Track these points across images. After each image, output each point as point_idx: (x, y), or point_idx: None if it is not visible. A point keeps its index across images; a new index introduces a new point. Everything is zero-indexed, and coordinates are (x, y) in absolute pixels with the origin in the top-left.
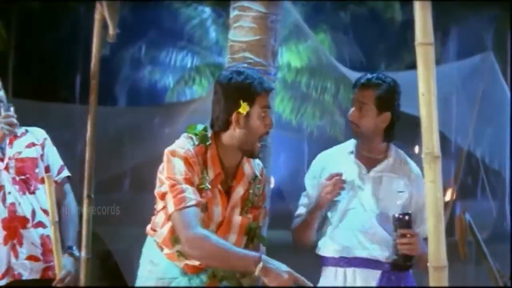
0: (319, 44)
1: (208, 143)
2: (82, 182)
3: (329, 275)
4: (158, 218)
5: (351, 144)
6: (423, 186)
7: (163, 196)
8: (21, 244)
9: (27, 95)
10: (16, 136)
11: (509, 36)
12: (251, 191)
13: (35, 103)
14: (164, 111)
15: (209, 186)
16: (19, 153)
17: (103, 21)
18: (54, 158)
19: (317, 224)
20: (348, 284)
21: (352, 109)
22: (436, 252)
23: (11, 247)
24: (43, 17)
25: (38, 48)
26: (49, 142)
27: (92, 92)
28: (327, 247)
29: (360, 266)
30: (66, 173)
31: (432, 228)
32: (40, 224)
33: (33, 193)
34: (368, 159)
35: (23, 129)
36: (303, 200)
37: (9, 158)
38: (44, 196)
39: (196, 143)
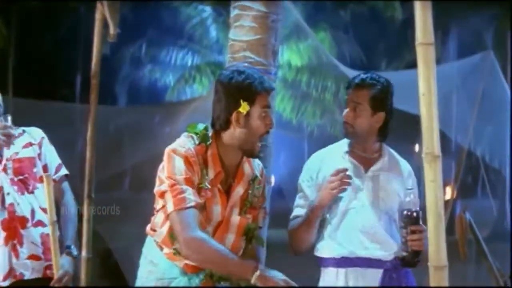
0: (320, 43)
1: (208, 142)
2: (82, 181)
3: (330, 276)
4: (158, 218)
5: (344, 144)
6: (415, 183)
7: (162, 194)
8: (21, 244)
9: (27, 94)
10: (13, 137)
11: (509, 35)
12: (250, 191)
13: (35, 102)
14: (165, 110)
15: (209, 186)
16: (17, 153)
17: (104, 21)
18: (51, 157)
19: (318, 223)
20: (350, 285)
21: (346, 109)
22: (437, 251)
23: (12, 247)
24: (43, 16)
25: (38, 47)
26: (46, 141)
27: (93, 91)
28: (327, 248)
29: (362, 266)
30: (64, 171)
31: (432, 228)
32: (40, 223)
33: (31, 192)
34: (363, 158)
35: (20, 129)
36: (299, 201)
37: (7, 159)
38: (43, 195)
39: (197, 142)
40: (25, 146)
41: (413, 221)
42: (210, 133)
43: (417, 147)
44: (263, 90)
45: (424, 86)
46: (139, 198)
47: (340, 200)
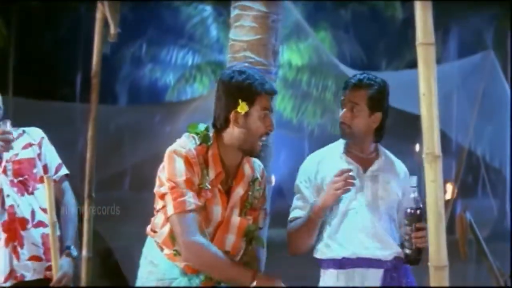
0: (320, 42)
1: (209, 142)
2: (83, 181)
3: (330, 278)
4: (158, 219)
5: (340, 145)
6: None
7: (162, 196)
8: (22, 245)
9: (28, 94)
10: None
11: (509, 35)
12: (250, 193)
13: (35, 101)
14: (165, 109)
15: (209, 186)
16: (16, 155)
17: (104, 20)
18: (51, 156)
19: (320, 224)
20: (351, 285)
21: (344, 110)
22: (437, 251)
23: (12, 249)
24: (43, 16)
25: (38, 47)
26: (46, 141)
27: (93, 91)
28: (327, 250)
29: (363, 267)
30: (64, 171)
31: (433, 228)
32: (41, 224)
33: (31, 193)
34: (361, 159)
35: (20, 130)
36: (297, 203)
37: (6, 161)
38: (43, 195)
39: (198, 142)
40: (24, 147)
41: (417, 218)
42: (211, 133)
43: (417, 147)
44: (263, 91)
45: (425, 86)
46: (140, 197)
47: (339, 201)
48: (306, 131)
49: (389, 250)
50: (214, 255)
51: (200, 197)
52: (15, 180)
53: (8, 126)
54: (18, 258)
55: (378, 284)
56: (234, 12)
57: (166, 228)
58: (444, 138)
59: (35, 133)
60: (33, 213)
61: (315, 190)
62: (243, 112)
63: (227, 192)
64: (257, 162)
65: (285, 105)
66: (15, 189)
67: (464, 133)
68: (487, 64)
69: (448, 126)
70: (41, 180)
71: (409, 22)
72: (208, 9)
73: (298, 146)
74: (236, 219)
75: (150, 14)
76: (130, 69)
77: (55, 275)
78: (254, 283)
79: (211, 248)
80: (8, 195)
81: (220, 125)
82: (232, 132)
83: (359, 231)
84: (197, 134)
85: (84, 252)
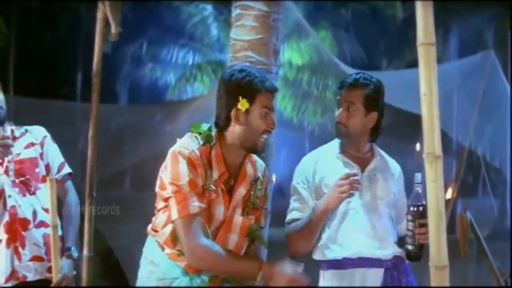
0: (320, 41)
1: (212, 142)
2: (84, 180)
3: (331, 279)
4: (159, 219)
5: (336, 144)
6: (403, 183)
7: (166, 200)
8: (23, 246)
9: (28, 93)
10: (15, 138)
11: (509, 34)
12: (252, 192)
13: (36, 100)
14: (166, 109)
15: (213, 187)
16: (18, 154)
17: (105, 20)
18: (54, 155)
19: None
20: (352, 285)
21: (339, 110)
22: (438, 251)
23: (14, 250)
24: (44, 15)
25: (39, 46)
26: (48, 140)
27: (94, 90)
28: (328, 251)
29: (364, 267)
30: (67, 170)
31: (433, 228)
32: (42, 224)
33: (33, 194)
34: (357, 158)
35: (22, 129)
36: (295, 204)
37: (8, 161)
38: (45, 195)
39: (201, 142)
40: (26, 147)
41: (421, 214)
42: (213, 133)
43: (418, 147)
44: (263, 88)
45: (425, 86)
46: (140, 197)
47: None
48: (306, 131)
49: (389, 249)
50: (219, 255)
51: (204, 198)
52: (17, 180)
53: (8, 131)
54: (19, 258)
55: (379, 283)
56: (235, 12)
57: (168, 228)
58: (445, 137)
59: (38, 132)
60: (34, 213)
61: (312, 190)
62: (243, 109)
63: (229, 192)
64: (259, 161)
65: (286, 105)
66: (17, 189)
67: (465, 133)
68: (488, 63)
69: (448, 125)
70: (44, 180)
71: (410, 22)
72: (208, 8)
73: (299, 145)
74: (238, 218)
75: (150, 13)
76: (130, 68)
77: (55, 277)
78: (261, 273)
79: (215, 248)
80: (9, 196)
81: (222, 123)
82: (234, 130)
83: (359, 231)
84: (199, 134)
85: (85, 252)
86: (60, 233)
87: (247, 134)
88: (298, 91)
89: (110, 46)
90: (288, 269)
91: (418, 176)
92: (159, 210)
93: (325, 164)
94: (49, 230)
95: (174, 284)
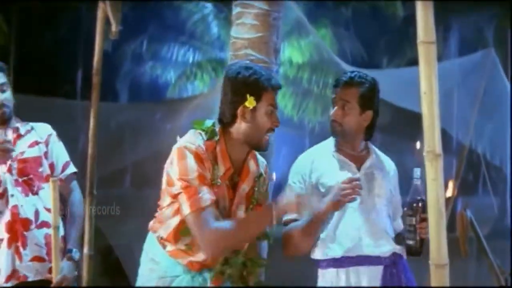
0: (321, 39)
1: (216, 138)
2: (84, 178)
3: (330, 277)
4: (164, 214)
5: (331, 143)
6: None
7: (175, 196)
8: (24, 246)
9: (28, 91)
10: (19, 135)
11: (509, 33)
12: (256, 188)
13: (36, 98)
14: (166, 107)
15: (220, 182)
16: (22, 153)
17: (106, 19)
18: (58, 154)
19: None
20: (352, 284)
21: (335, 108)
22: (438, 250)
23: (15, 250)
24: (44, 13)
25: (39, 44)
26: (53, 138)
27: (95, 88)
28: (327, 250)
29: (363, 264)
30: (71, 169)
31: (433, 226)
32: (45, 224)
33: (36, 193)
34: (353, 156)
35: (29, 126)
36: None
37: (12, 160)
38: (48, 195)
39: (205, 138)
40: (31, 145)
41: (422, 209)
42: (217, 128)
43: (418, 145)
44: (270, 86)
45: (426, 85)
46: (140, 195)
47: None
48: (307, 129)
49: (387, 247)
50: (231, 226)
51: (213, 193)
52: (20, 180)
53: (9, 134)
54: (20, 259)
55: (378, 280)
56: (235, 10)
57: (173, 222)
58: (445, 136)
59: (43, 130)
60: (37, 213)
61: (309, 190)
62: (251, 107)
63: (233, 188)
64: (260, 158)
65: (286, 103)
66: (19, 188)
67: (465, 131)
68: (488, 62)
69: (448, 124)
70: (47, 179)
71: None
72: (209, 6)
73: (299, 143)
74: (242, 215)
75: (151, 11)
76: (131, 66)
77: (55, 278)
78: (274, 213)
79: (226, 225)
80: (12, 195)
81: (227, 120)
82: (239, 127)
83: (358, 229)
84: (203, 130)
85: (86, 250)
86: (62, 233)
87: (253, 132)
88: (299, 89)
89: (110, 44)
90: (290, 194)
91: (417, 171)
92: (162, 208)
93: (322, 162)
94: (51, 231)
95: (175, 282)
